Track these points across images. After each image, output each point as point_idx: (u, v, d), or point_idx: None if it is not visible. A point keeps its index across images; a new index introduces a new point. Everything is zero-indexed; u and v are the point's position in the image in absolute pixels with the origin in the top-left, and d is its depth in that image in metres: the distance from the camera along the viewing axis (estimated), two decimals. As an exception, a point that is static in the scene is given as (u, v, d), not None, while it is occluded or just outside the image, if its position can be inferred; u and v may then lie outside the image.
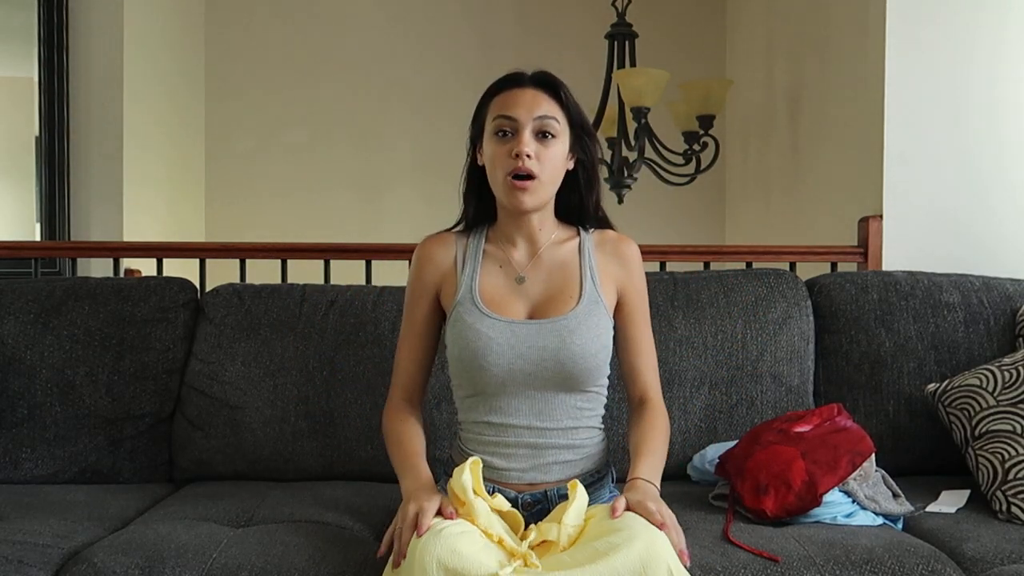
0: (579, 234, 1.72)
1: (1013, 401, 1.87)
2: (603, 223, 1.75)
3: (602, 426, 1.69)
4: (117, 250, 2.84)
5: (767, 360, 2.08)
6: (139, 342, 2.09)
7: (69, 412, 2.05)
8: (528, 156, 1.56)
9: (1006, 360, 1.95)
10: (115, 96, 3.32)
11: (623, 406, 2.01)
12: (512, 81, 1.63)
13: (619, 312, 1.70)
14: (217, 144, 4.40)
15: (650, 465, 1.58)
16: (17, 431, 2.04)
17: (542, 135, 1.59)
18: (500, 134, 1.59)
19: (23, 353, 2.08)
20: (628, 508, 1.43)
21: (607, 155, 3.53)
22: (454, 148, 4.83)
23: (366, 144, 4.47)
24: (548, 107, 1.60)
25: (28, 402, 2.05)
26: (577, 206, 1.71)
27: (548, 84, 1.62)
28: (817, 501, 1.68)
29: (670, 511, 1.46)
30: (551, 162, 1.60)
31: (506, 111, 1.59)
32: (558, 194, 1.67)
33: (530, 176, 1.58)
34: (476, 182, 1.71)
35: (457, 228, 1.76)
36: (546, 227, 1.68)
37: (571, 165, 1.66)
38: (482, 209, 1.72)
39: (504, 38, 4.45)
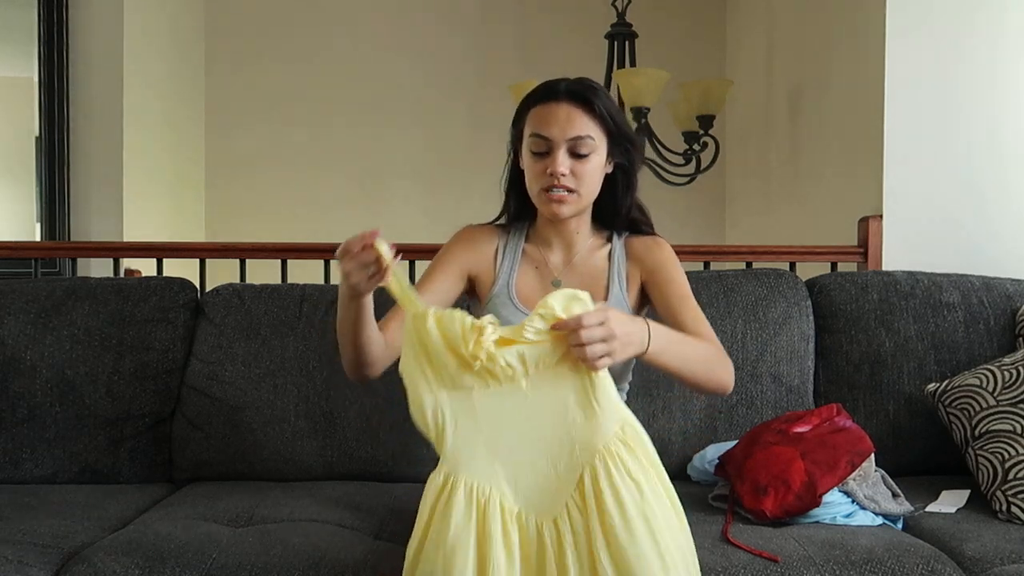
0: (611, 240, 1.74)
1: (1013, 401, 1.87)
2: (635, 225, 1.76)
3: None
4: (117, 250, 2.84)
5: (767, 360, 2.08)
6: (139, 342, 2.09)
7: (69, 412, 2.05)
8: (563, 175, 1.59)
9: (1006, 360, 1.95)
10: (115, 96, 3.32)
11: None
12: (548, 94, 1.63)
13: (653, 293, 1.69)
14: (217, 144, 4.40)
15: (666, 330, 1.49)
16: (17, 431, 2.04)
17: (577, 152, 1.60)
18: (535, 150, 1.62)
19: (23, 353, 2.08)
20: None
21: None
22: (454, 148, 4.87)
23: (366, 144, 4.47)
24: (582, 125, 1.60)
25: (28, 402, 2.05)
26: (610, 209, 1.73)
27: (582, 98, 1.61)
28: (816, 501, 1.68)
29: (623, 327, 1.32)
30: (588, 176, 1.62)
31: (540, 130, 1.61)
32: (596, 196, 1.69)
33: (568, 189, 1.60)
34: (518, 180, 1.72)
35: (499, 222, 1.79)
36: (583, 231, 1.72)
37: (609, 169, 1.68)
38: (523, 206, 1.74)
39: (504, 38, 4.45)
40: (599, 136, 1.61)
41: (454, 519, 1.28)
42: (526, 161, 1.65)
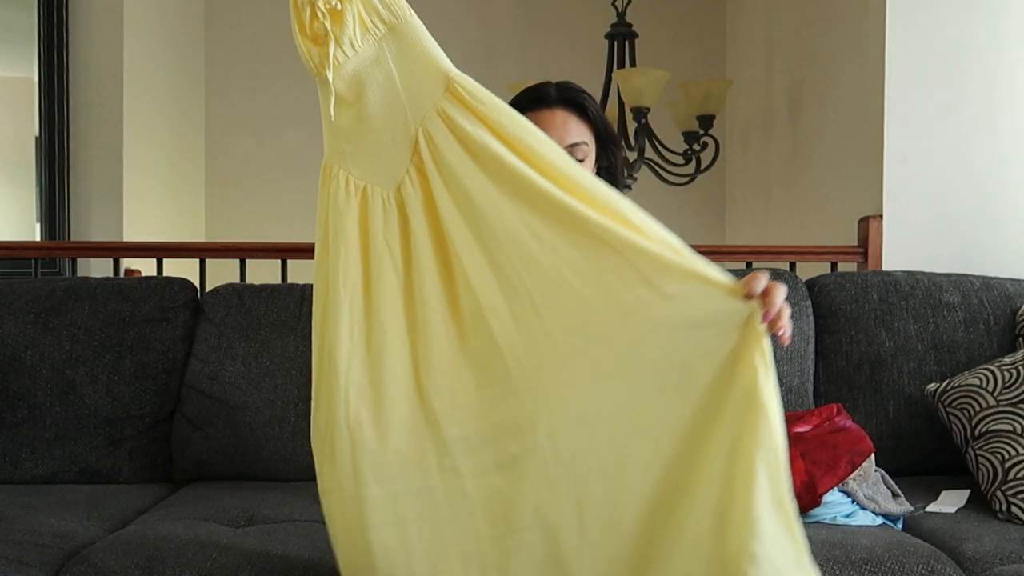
0: None
1: (1013, 401, 1.87)
2: None
3: None
4: (117, 250, 2.84)
5: (767, 360, 2.08)
6: (139, 342, 2.09)
7: (69, 412, 2.05)
8: None
9: (1006, 360, 1.95)
10: (115, 96, 3.32)
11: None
12: (540, 100, 1.63)
13: None
14: (217, 143, 4.39)
15: None
16: (17, 431, 2.04)
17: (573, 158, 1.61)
18: None
19: (23, 353, 2.08)
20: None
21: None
22: (454, 148, 4.77)
23: (366, 144, 4.46)
24: (578, 131, 1.61)
25: (28, 402, 2.05)
26: None
27: (576, 103, 1.62)
28: (816, 501, 1.68)
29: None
30: None
31: None
32: None
33: None
34: None
35: None
36: None
37: (594, 170, 1.68)
38: None
39: (504, 38, 4.45)
40: (591, 141, 1.63)
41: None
42: None
